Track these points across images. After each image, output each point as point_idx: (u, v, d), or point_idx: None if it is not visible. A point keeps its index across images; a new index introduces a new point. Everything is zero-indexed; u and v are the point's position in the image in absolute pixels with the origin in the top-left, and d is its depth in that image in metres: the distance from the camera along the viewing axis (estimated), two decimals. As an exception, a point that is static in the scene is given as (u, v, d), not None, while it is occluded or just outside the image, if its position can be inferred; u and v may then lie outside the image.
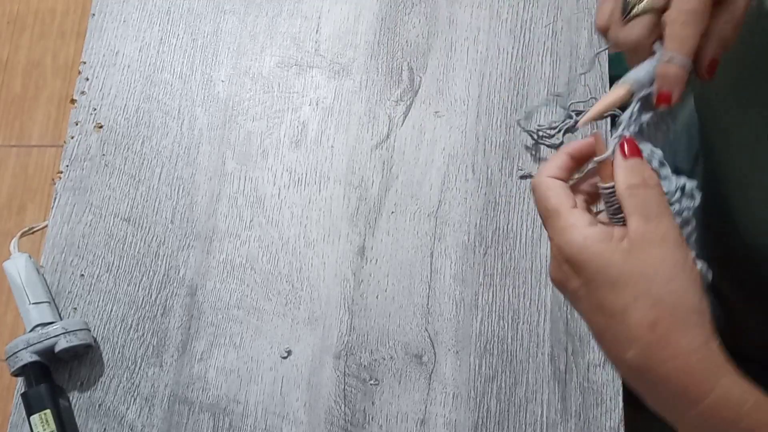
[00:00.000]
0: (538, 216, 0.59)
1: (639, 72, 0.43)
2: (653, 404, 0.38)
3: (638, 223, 0.38)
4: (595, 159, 0.41)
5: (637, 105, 0.43)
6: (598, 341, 0.39)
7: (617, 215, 0.40)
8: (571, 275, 0.39)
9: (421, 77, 0.68)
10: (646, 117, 0.43)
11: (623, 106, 0.44)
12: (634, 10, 0.43)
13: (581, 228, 0.39)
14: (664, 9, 0.42)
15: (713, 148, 0.64)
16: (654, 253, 0.37)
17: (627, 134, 0.42)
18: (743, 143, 0.58)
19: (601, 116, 0.43)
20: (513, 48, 0.68)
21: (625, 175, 0.40)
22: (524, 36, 0.69)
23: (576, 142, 0.43)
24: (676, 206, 0.43)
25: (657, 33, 0.43)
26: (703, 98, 0.62)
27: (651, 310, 0.36)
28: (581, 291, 0.39)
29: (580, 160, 0.43)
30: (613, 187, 0.40)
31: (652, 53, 0.43)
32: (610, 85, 0.65)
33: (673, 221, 0.39)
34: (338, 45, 0.70)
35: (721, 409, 0.36)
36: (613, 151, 0.41)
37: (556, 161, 0.42)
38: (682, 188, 0.43)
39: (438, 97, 0.67)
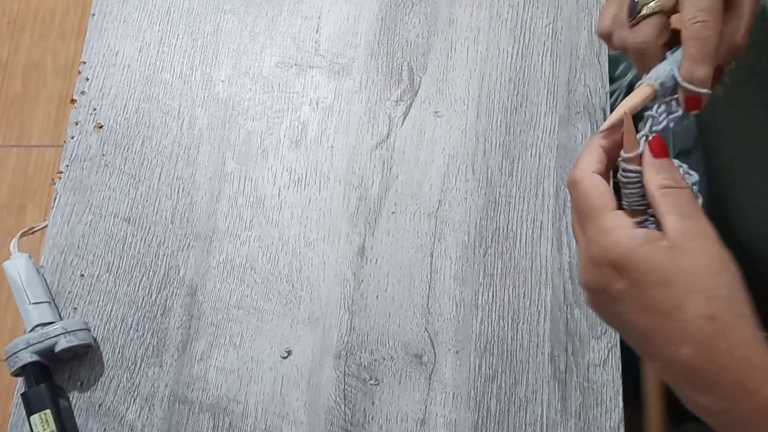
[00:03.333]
0: (539, 215, 0.59)
1: (660, 71, 0.42)
2: (703, 403, 0.37)
3: (677, 222, 0.38)
4: (625, 156, 0.41)
5: (662, 106, 0.42)
6: (645, 344, 0.38)
7: (635, 201, 0.40)
8: (615, 278, 0.38)
9: (421, 77, 0.68)
10: (672, 115, 0.43)
11: (645, 107, 0.43)
12: (644, 11, 0.42)
13: (627, 229, 0.38)
14: (672, 11, 0.42)
15: (711, 151, 0.64)
16: (699, 249, 0.37)
17: (652, 132, 0.42)
18: (741, 146, 0.58)
19: (624, 119, 0.42)
20: (513, 48, 0.68)
21: (656, 174, 0.39)
22: (524, 36, 0.69)
23: (608, 134, 0.42)
24: None
25: (666, 35, 0.42)
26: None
27: (707, 304, 0.36)
28: (628, 293, 0.38)
29: (613, 151, 0.42)
30: (639, 173, 0.40)
31: (663, 56, 0.43)
32: (610, 85, 0.65)
33: (707, 219, 0.39)
34: (338, 45, 0.70)
35: None
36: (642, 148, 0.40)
37: (594, 155, 0.41)
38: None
39: (438, 97, 0.67)
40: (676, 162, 0.41)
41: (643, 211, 0.40)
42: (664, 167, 0.40)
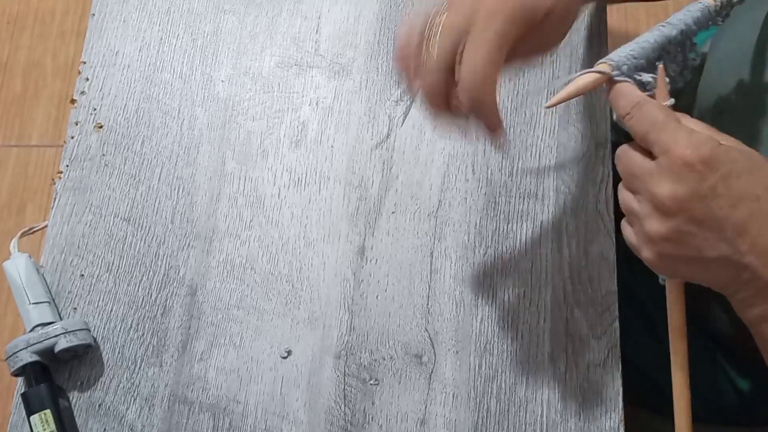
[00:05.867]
0: (539, 215, 0.59)
1: (619, 53, 0.45)
2: None
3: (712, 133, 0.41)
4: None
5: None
6: (740, 238, 0.39)
7: None
8: (707, 174, 0.39)
9: (421, 77, 0.68)
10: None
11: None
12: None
13: (702, 129, 0.41)
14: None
15: None
16: (745, 146, 0.41)
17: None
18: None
19: (573, 97, 0.46)
20: (513, 48, 0.68)
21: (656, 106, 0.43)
22: (524, 36, 0.69)
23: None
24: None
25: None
26: (702, 107, 0.62)
27: None
28: (719, 188, 0.39)
29: None
30: None
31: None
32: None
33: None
34: (338, 45, 0.70)
35: None
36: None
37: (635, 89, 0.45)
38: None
39: (438, 97, 0.67)
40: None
41: None
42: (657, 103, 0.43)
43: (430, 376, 0.59)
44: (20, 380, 0.60)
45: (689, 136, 0.40)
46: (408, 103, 0.67)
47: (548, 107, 0.46)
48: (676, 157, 0.40)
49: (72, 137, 0.68)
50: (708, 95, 0.60)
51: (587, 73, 0.45)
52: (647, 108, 0.42)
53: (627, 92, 0.44)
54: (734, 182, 0.39)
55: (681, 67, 0.47)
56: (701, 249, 0.41)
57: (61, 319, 0.61)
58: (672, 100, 0.44)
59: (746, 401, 0.70)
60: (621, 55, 0.45)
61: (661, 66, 0.44)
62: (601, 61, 0.45)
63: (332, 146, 0.67)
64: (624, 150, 0.44)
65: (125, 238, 0.65)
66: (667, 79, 0.45)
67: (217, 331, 0.62)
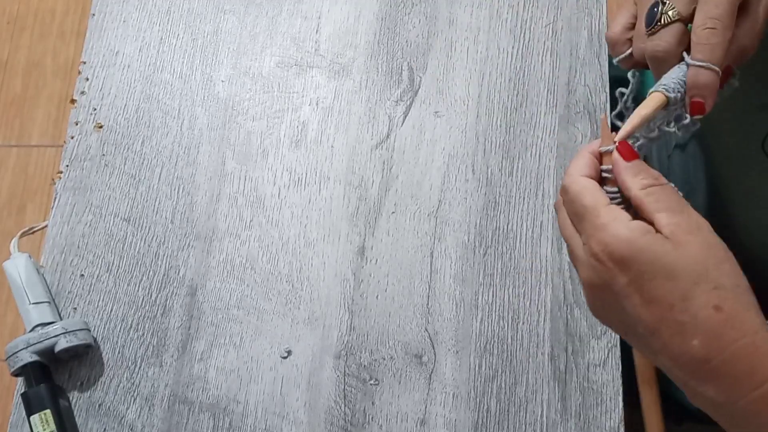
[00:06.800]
0: (539, 215, 0.59)
1: (670, 80, 0.43)
2: (711, 395, 0.37)
3: (668, 217, 0.37)
4: (601, 148, 0.41)
5: (664, 116, 0.43)
6: (651, 338, 0.37)
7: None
8: (618, 272, 0.37)
9: (421, 77, 0.68)
10: (680, 123, 0.43)
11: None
12: (663, 20, 0.43)
13: (624, 222, 0.38)
14: (690, 19, 0.42)
15: (710, 153, 0.64)
16: (697, 240, 0.37)
17: (650, 139, 0.42)
18: (737, 147, 0.59)
19: (639, 129, 0.42)
20: (513, 48, 0.68)
21: (634, 177, 0.39)
22: (524, 36, 0.69)
23: (597, 141, 0.42)
24: None
25: (685, 42, 0.43)
26: None
27: (713, 294, 0.36)
28: (630, 287, 0.37)
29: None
30: (619, 191, 0.40)
31: (680, 61, 0.43)
32: (611, 86, 0.65)
33: (696, 212, 0.39)
34: (338, 45, 0.70)
35: None
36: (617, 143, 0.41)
37: (583, 160, 0.41)
38: None
39: (438, 97, 0.67)
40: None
41: None
42: (640, 168, 0.40)
43: (430, 376, 0.59)
44: (20, 380, 0.60)
45: (603, 231, 0.38)
46: (408, 102, 0.67)
47: (619, 141, 0.43)
48: (590, 252, 0.39)
49: (72, 137, 0.68)
50: None
51: (648, 102, 0.43)
52: (570, 196, 0.41)
53: (567, 171, 0.42)
54: (647, 284, 0.37)
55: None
56: (621, 328, 0.40)
57: (61, 319, 0.61)
58: (612, 147, 0.41)
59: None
60: (671, 81, 0.43)
61: (606, 114, 0.43)
62: (654, 89, 0.43)
63: (332, 146, 0.67)
64: (559, 205, 0.42)
65: (125, 238, 0.64)
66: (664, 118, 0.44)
67: (217, 331, 0.62)
